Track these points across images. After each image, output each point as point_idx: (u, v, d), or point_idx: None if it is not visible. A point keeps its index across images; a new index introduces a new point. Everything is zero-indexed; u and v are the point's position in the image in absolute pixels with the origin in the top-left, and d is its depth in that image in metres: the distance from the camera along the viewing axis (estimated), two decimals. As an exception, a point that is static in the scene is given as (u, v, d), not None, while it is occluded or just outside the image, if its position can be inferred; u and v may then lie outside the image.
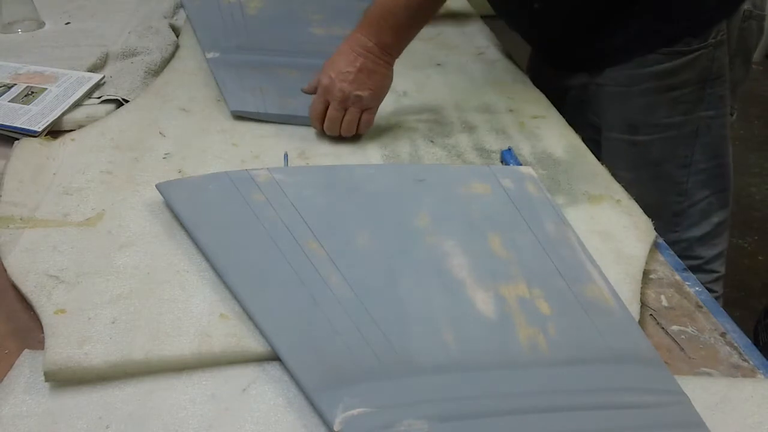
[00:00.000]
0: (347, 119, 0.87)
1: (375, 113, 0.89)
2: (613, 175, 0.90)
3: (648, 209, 0.77)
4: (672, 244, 0.97)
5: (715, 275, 1.07)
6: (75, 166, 0.79)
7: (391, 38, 0.85)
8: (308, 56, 1.05)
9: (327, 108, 0.87)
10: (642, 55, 0.93)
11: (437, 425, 0.49)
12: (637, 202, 0.78)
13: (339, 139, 0.88)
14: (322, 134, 0.89)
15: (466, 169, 0.80)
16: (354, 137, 0.89)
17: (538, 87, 1.06)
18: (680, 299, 0.66)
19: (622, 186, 0.82)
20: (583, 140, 0.93)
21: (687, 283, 0.68)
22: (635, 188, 0.91)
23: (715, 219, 1.03)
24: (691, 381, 0.56)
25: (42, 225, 0.69)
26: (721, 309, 0.65)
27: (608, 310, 0.61)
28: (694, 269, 0.99)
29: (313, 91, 0.89)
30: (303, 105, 0.90)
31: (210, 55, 1.06)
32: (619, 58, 0.95)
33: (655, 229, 0.74)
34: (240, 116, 0.92)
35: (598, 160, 0.88)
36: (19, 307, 0.61)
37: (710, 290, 1.03)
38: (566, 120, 0.96)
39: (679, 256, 0.73)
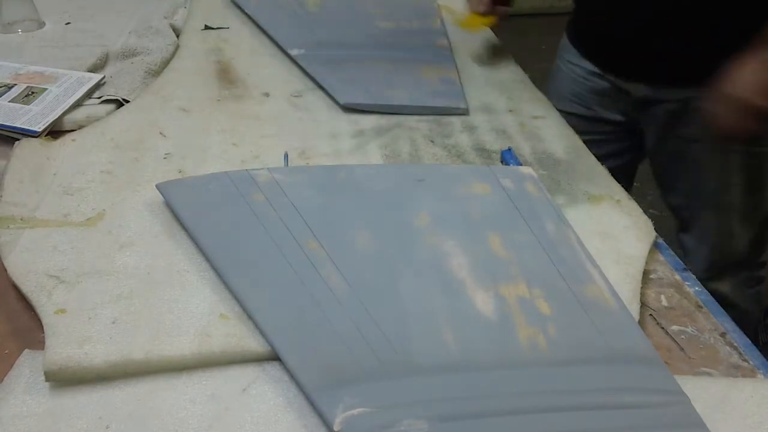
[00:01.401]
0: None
1: None
2: (725, 183, 0.95)
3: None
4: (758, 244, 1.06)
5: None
6: (75, 166, 0.79)
7: None
8: (389, 50, 1.06)
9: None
10: None
11: (437, 425, 0.49)
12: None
13: (340, 137, 0.88)
14: (323, 134, 0.89)
15: (466, 169, 0.80)
16: None
17: (571, 98, 1.10)
18: (680, 299, 0.66)
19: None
20: (664, 152, 0.97)
21: (687, 283, 0.68)
22: (745, 196, 0.97)
23: None
24: (691, 381, 0.56)
25: (42, 225, 0.69)
26: (721, 309, 0.65)
27: (608, 310, 0.61)
28: (762, 266, 1.10)
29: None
30: (406, 95, 0.92)
31: (294, 52, 1.07)
32: None
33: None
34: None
35: (676, 172, 0.90)
36: (20, 307, 0.61)
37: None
38: (648, 134, 0.99)
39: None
